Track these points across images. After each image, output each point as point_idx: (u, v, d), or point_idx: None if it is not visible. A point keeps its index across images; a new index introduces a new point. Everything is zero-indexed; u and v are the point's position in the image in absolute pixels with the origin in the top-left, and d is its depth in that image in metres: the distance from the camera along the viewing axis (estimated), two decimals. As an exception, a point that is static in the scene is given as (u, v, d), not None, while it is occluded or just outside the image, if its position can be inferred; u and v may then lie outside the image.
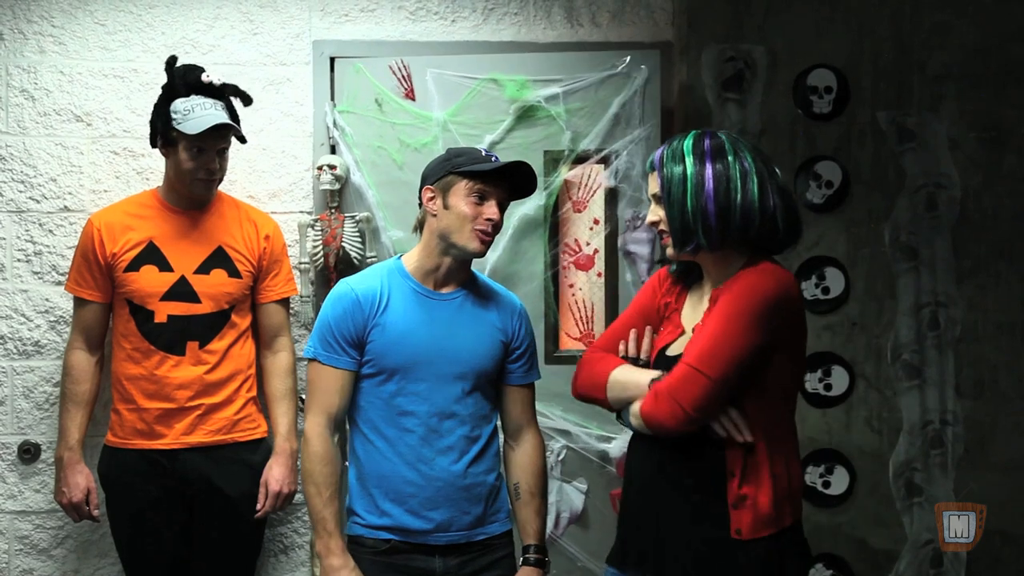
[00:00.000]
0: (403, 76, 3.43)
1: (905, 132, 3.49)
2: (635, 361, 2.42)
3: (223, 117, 3.00)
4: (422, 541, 2.54)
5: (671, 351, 2.37)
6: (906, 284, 3.49)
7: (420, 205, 2.60)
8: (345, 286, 2.60)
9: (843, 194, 3.48)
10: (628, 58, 3.40)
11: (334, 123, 3.40)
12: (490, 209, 2.51)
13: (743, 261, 2.31)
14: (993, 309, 3.50)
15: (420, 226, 2.63)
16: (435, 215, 2.55)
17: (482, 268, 3.35)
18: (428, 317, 2.56)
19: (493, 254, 3.40)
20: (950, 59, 3.50)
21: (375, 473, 2.55)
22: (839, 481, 3.47)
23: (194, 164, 3.01)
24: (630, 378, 2.33)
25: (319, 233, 3.34)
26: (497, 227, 2.55)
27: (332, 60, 3.42)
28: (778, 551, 2.24)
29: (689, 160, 2.28)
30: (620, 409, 2.37)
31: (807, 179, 3.48)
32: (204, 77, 3.03)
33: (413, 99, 3.43)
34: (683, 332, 2.38)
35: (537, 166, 3.39)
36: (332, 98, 3.42)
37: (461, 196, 2.51)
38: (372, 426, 2.56)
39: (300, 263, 3.36)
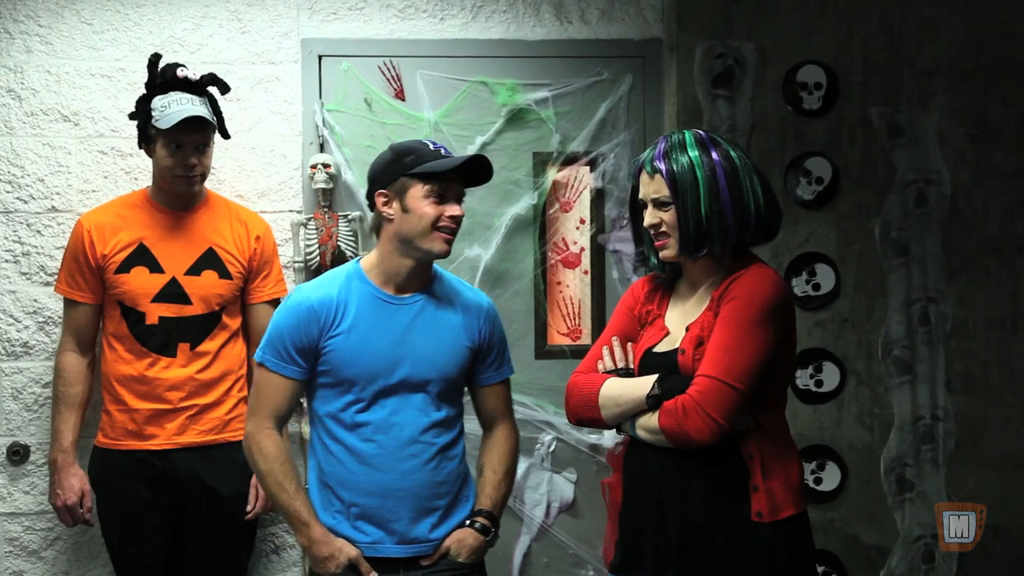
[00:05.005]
0: (393, 76, 3.43)
1: (895, 128, 3.49)
2: (617, 372, 2.39)
3: (197, 111, 2.97)
4: (384, 552, 2.49)
5: (659, 348, 2.36)
6: (896, 280, 3.50)
7: (371, 208, 2.54)
8: (300, 294, 2.53)
9: (833, 190, 3.48)
10: (614, 67, 3.47)
11: (323, 122, 3.39)
12: (452, 208, 2.46)
13: (730, 260, 2.32)
14: (983, 305, 3.51)
15: (375, 230, 2.55)
16: (392, 219, 2.48)
17: (475, 266, 3.39)
18: (387, 325, 2.50)
19: (486, 252, 3.44)
20: (939, 54, 3.50)
21: (336, 482, 2.50)
22: (831, 477, 3.48)
23: (172, 160, 2.99)
24: (623, 391, 2.31)
25: (313, 232, 3.33)
26: (460, 223, 2.49)
27: (320, 58, 3.41)
28: (798, 532, 2.27)
29: (697, 162, 2.26)
30: (617, 424, 2.34)
31: (797, 175, 3.48)
32: (180, 72, 3.01)
33: (403, 99, 3.43)
34: (668, 333, 2.37)
35: (527, 167, 3.45)
36: (320, 96, 3.41)
37: (419, 198, 2.44)
38: (332, 435, 2.51)
39: (293, 261, 3.35)
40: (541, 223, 3.49)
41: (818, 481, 3.47)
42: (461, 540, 2.52)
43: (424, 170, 2.43)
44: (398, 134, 3.40)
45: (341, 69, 3.41)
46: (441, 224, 2.45)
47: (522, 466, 3.35)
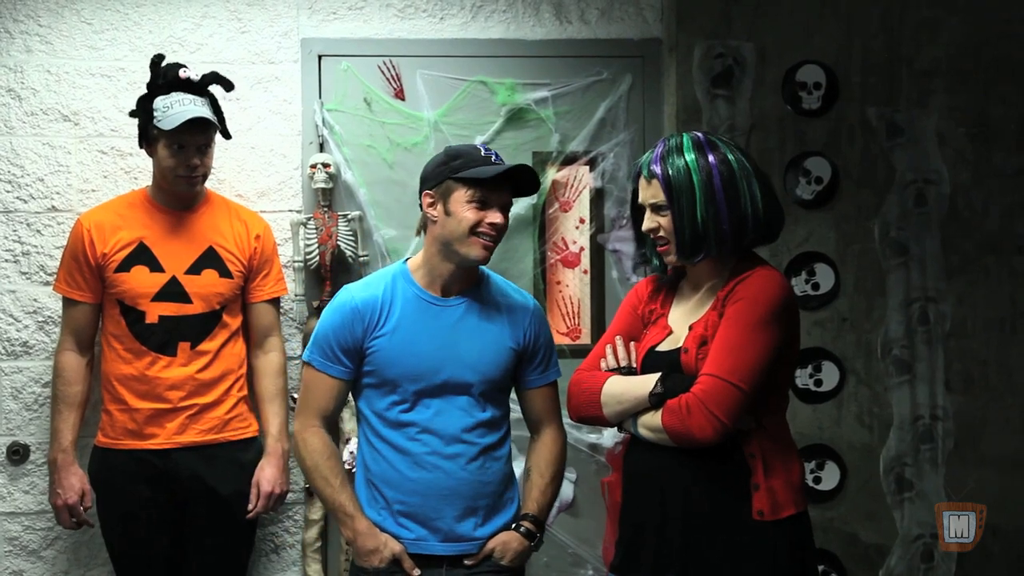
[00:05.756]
0: (392, 76, 3.43)
1: (894, 128, 3.50)
2: (619, 370, 2.40)
3: (200, 112, 2.97)
4: (428, 550, 2.51)
5: (662, 347, 2.37)
6: (896, 280, 3.50)
7: (421, 208, 2.54)
8: (346, 294, 2.55)
9: (833, 190, 3.48)
10: (614, 66, 3.47)
11: (323, 121, 3.39)
12: (493, 215, 2.45)
13: (734, 261, 2.33)
14: (982, 304, 3.51)
15: (422, 229, 2.57)
16: (435, 221, 2.49)
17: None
18: (431, 326, 2.51)
19: (486, 251, 3.43)
20: (939, 54, 3.51)
21: (381, 480, 2.52)
22: (830, 476, 3.48)
23: (174, 161, 2.99)
24: (625, 389, 2.32)
25: (313, 232, 3.33)
26: (501, 231, 2.49)
27: (320, 58, 3.41)
28: (799, 531, 2.28)
29: (693, 166, 2.26)
30: (619, 422, 2.35)
31: (797, 175, 3.48)
32: (182, 73, 3.01)
33: (403, 99, 3.43)
34: (671, 332, 2.38)
35: (526, 167, 3.44)
36: (320, 96, 3.41)
37: (462, 203, 2.44)
38: (377, 434, 2.53)
39: (293, 261, 3.35)
40: (541, 223, 3.49)
41: (817, 480, 3.47)
42: (506, 543, 2.54)
43: (469, 175, 2.43)
44: (398, 134, 3.41)
45: (341, 69, 3.42)
46: (480, 230, 2.45)
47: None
